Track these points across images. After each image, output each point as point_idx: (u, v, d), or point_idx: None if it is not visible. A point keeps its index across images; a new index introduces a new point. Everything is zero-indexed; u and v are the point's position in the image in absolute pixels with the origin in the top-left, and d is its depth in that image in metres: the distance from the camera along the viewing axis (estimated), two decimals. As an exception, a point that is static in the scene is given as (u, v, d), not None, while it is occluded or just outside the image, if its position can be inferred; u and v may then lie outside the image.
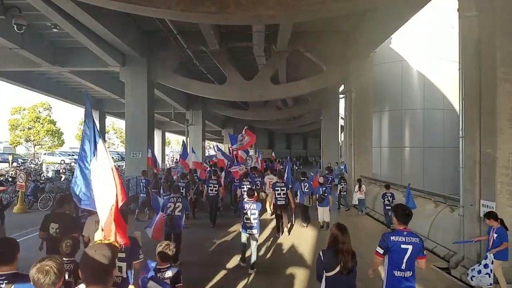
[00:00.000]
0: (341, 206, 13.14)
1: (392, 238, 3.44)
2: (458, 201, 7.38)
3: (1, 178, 16.34)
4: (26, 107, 38.12)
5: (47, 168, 21.59)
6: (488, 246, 5.27)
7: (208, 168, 15.87)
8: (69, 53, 14.61)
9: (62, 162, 30.18)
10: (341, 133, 29.74)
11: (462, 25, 6.55)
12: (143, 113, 14.26)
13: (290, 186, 10.06)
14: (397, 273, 3.43)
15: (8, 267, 2.41)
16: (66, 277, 2.81)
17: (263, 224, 9.92)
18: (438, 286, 5.89)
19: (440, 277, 6.26)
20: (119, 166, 23.10)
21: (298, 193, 9.98)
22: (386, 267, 3.51)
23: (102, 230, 3.09)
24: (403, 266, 3.40)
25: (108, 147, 48.77)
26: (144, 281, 3.16)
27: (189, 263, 6.65)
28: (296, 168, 21.25)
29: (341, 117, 29.80)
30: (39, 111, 38.70)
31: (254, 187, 10.48)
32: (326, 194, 9.75)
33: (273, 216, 10.04)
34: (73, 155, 36.95)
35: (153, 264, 3.37)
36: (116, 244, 2.86)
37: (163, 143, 39.70)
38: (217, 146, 20.97)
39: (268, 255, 7.48)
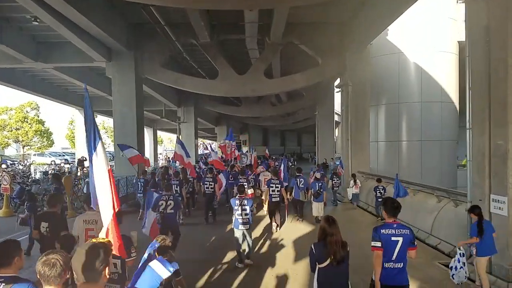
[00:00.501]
0: (337, 202, 13.16)
1: (383, 231, 3.49)
2: (463, 196, 7.13)
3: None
4: (13, 107, 37.14)
5: (35, 170, 20.77)
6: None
7: (204, 167, 15.59)
8: (52, 48, 13.98)
9: (52, 163, 29.40)
10: (335, 128, 29.48)
11: (469, 12, 6.16)
12: (131, 110, 13.67)
13: (286, 184, 10.06)
14: (388, 265, 3.47)
15: (7, 269, 2.41)
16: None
17: (258, 220, 9.97)
18: (447, 285, 5.50)
19: (447, 276, 5.80)
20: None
21: (294, 188, 10.03)
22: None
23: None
24: (394, 258, 3.44)
25: (99, 147, 48.22)
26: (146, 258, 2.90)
27: (185, 259, 6.41)
28: (291, 164, 20.78)
29: (336, 113, 29.63)
30: (26, 111, 37.80)
31: (250, 185, 10.81)
32: (321, 190, 9.85)
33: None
34: (63, 156, 36.23)
35: (157, 245, 3.22)
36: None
37: (155, 141, 39.12)
38: (210, 146, 20.46)
39: (263, 250, 7.59)
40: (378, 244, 3.47)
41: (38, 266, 1.99)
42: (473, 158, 6.07)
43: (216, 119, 34.25)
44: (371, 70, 14.63)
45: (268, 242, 8.11)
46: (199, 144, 24.94)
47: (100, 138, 3.10)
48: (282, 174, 10.12)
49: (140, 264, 2.74)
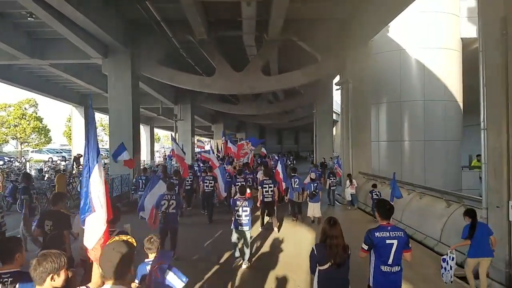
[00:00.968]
0: (335, 202, 13.04)
1: (377, 234, 3.44)
2: (475, 201, 6.74)
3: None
4: (12, 103, 37.12)
5: (30, 167, 20.53)
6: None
7: (202, 165, 15.45)
8: (48, 44, 13.81)
9: (50, 159, 29.19)
10: (333, 127, 29.25)
11: (482, 3, 5.82)
12: (127, 107, 13.45)
13: (286, 185, 9.83)
14: (384, 268, 3.42)
15: (10, 265, 2.55)
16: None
17: (254, 220, 9.64)
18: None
19: (460, 288, 5.42)
20: (105, 163, 22.25)
21: (289, 189, 9.89)
22: (373, 263, 3.49)
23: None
24: (390, 261, 3.39)
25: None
26: (163, 269, 3.04)
27: (184, 258, 6.70)
28: (290, 163, 20.52)
29: (334, 111, 29.43)
30: (25, 108, 37.77)
31: (246, 184, 10.47)
32: (317, 191, 9.84)
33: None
34: (61, 153, 36.02)
35: (171, 254, 3.44)
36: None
37: (152, 139, 38.97)
38: (211, 145, 20.21)
39: (261, 251, 7.54)
40: (366, 247, 3.48)
41: (32, 262, 2.14)
42: (489, 160, 5.68)
43: (213, 117, 33.99)
44: (372, 67, 14.31)
45: (265, 243, 8.05)
46: (196, 141, 24.67)
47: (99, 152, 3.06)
48: (281, 176, 9.77)
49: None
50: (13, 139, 37.54)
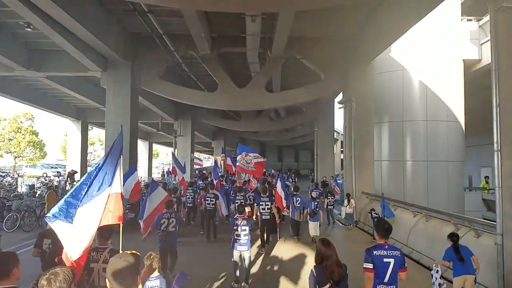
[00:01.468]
0: (336, 221, 13.03)
1: (375, 252, 3.53)
2: (490, 226, 6.44)
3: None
4: (7, 117, 36.59)
5: (22, 183, 19.79)
6: None
7: (200, 182, 15.29)
8: (46, 56, 13.47)
9: (44, 175, 28.47)
10: (334, 145, 28.96)
11: (495, 20, 5.61)
12: (125, 122, 12.99)
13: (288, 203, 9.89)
14: (380, 287, 3.48)
15: (5, 281, 2.49)
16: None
17: (254, 239, 9.53)
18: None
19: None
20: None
21: (290, 207, 9.99)
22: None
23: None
24: (386, 280, 3.46)
25: (93, 160, 47.40)
26: None
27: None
28: (292, 181, 19.95)
29: (336, 130, 29.19)
30: (20, 122, 37.24)
31: (246, 202, 10.74)
32: (317, 209, 9.92)
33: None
34: (56, 168, 35.27)
35: (189, 277, 3.41)
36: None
37: (150, 155, 38.48)
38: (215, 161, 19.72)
39: (260, 270, 7.51)
40: (370, 266, 3.49)
41: (40, 282, 2.06)
42: (503, 184, 5.40)
43: (213, 133, 33.70)
44: (374, 87, 14.17)
45: (264, 262, 8.00)
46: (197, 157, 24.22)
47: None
48: (279, 193, 9.53)
49: None
50: (7, 153, 36.79)
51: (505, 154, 5.44)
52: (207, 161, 55.72)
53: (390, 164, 15.72)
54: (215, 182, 12.03)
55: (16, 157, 37.01)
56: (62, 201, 3.16)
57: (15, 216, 11.48)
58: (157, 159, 57.95)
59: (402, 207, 10.63)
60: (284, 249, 9.12)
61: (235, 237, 6.25)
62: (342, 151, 36.31)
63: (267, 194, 9.43)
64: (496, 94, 5.58)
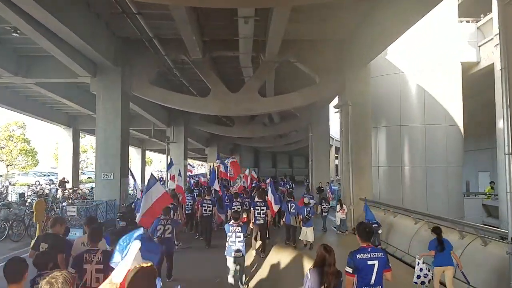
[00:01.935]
0: (331, 228, 12.92)
1: (358, 256, 3.55)
2: (494, 233, 6.24)
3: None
4: (-1, 125, 36.26)
5: (12, 191, 19.24)
6: None
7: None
8: (34, 62, 13.11)
9: (37, 182, 27.89)
10: (329, 151, 28.69)
11: (504, 15, 5.32)
12: (115, 128, 12.65)
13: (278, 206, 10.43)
14: None
15: (16, 285, 2.66)
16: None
17: (248, 245, 9.65)
18: None
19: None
20: (92, 188, 21.12)
21: (285, 213, 10.23)
22: (355, 285, 3.55)
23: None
24: (372, 282, 3.50)
25: (86, 167, 46.74)
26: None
27: (180, 280, 6.79)
28: (289, 188, 19.55)
29: (330, 136, 28.94)
30: (12, 130, 36.82)
31: (243, 208, 10.87)
32: (310, 215, 10.00)
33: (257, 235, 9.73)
34: (49, 176, 34.64)
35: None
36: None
37: (143, 162, 38.08)
38: (212, 167, 19.48)
39: (254, 275, 7.57)
40: (350, 270, 3.51)
41: (40, 284, 2.16)
42: None
43: (207, 139, 33.33)
44: (371, 90, 13.93)
45: (258, 267, 8.08)
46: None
47: None
48: (270, 198, 9.86)
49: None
50: (-1, 161, 36.34)
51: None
52: (201, 168, 55.27)
53: (388, 170, 15.49)
54: (213, 188, 12.26)
55: (8, 165, 36.67)
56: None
57: (3, 226, 11.13)
58: (150, 167, 57.25)
59: (402, 213, 10.30)
60: (278, 254, 9.24)
61: (230, 244, 6.27)
62: (336, 157, 36.14)
63: (262, 199, 9.57)
64: (505, 94, 5.22)
